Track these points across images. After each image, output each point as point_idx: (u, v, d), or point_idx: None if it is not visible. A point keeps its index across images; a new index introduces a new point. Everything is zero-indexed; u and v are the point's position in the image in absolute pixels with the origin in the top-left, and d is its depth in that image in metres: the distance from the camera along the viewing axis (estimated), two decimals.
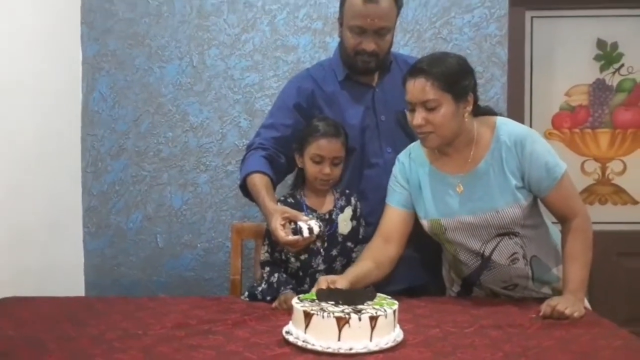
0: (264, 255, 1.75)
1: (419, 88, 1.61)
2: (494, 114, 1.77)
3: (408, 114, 1.67)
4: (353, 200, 1.84)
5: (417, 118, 1.62)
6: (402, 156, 1.82)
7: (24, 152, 2.02)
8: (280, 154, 1.90)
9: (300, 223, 1.59)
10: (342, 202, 1.82)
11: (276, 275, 1.70)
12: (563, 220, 1.69)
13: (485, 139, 1.69)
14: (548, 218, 1.79)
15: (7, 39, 1.92)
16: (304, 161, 1.77)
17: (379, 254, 1.73)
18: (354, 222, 1.81)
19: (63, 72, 2.34)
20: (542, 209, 1.76)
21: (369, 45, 1.85)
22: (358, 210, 1.84)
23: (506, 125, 1.70)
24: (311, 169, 1.75)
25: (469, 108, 1.65)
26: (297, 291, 1.68)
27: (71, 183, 2.42)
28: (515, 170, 1.66)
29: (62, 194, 2.33)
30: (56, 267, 2.22)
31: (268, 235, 1.75)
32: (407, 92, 1.64)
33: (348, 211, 1.81)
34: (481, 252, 1.72)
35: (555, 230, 1.79)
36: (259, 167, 1.84)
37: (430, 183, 1.76)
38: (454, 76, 1.61)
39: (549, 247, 1.76)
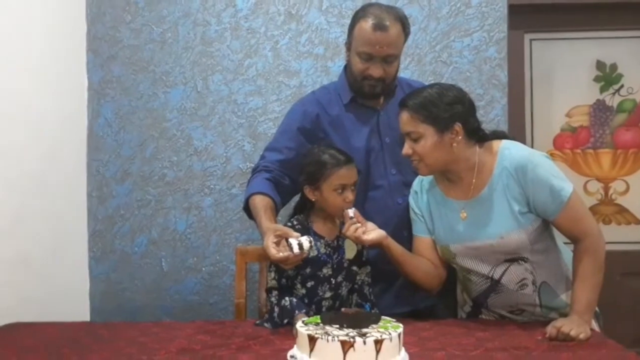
0: (271, 281, 1.74)
1: (402, 120, 1.69)
2: (503, 137, 1.76)
3: None
4: None
5: (405, 148, 1.70)
6: (415, 184, 1.86)
7: (30, 177, 2.04)
8: (284, 175, 1.92)
9: (290, 240, 1.60)
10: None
11: (287, 298, 1.68)
12: (574, 240, 1.68)
13: (488, 166, 1.70)
14: (561, 239, 1.78)
15: (14, 65, 1.95)
16: (323, 194, 1.73)
17: (432, 268, 1.80)
18: (359, 246, 1.80)
19: (69, 99, 2.37)
20: (557, 232, 1.75)
21: (377, 71, 1.88)
22: None
23: (509, 151, 1.69)
24: (335, 199, 1.72)
25: (459, 137, 1.66)
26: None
27: (77, 208, 2.44)
28: (518, 196, 1.66)
29: (67, 218, 2.34)
30: (62, 292, 2.22)
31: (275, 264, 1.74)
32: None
33: None
34: (490, 276, 1.73)
35: (568, 253, 1.77)
36: (261, 189, 1.86)
37: (438, 209, 1.79)
38: (432, 108, 1.65)
39: (560, 273, 1.75)
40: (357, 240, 1.70)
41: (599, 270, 1.64)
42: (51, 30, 2.21)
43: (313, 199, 1.76)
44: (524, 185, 1.65)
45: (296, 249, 1.58)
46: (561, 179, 1.66)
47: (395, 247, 1.76)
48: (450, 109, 1.66)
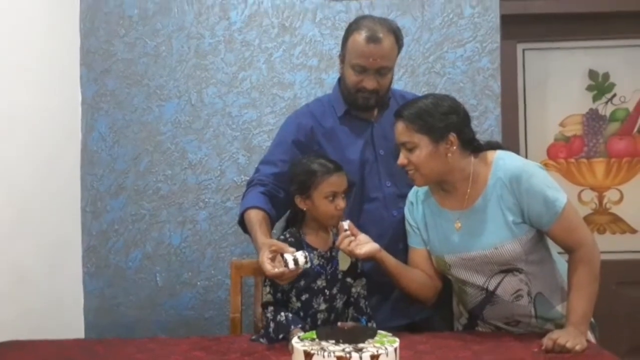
0: (266, 296, 1.73)
1: (397, 131, 1.71)
2: (497, 147, 1.77)
3: None
4: None
5: (400, 158, 1.72)
6: (411, 194, 1.87)
7: (24, 192, 2.03)
8: (279, 189, 1.91)
9: (286, 255, 1.60)
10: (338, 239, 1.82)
11: (283, 314, 1.67)
12: (569, 251, 1.68)
13: (483, 176, 1.71)
14: (555, 250, 1.79)
15: (7, 80, 1.95)
16: (314, 202, 1.74)
17: (427, 280, 1.81)
18: (353, 258, 1.80)
19: (62, 113, 2.37)
20: (551, 243, 1.75)
21: (370, 83, 1.89)
22: None
23: (503, 161, 1.70)
24: (326, 207, 1.73)
25: (454, 147, 1.67)
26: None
27: (70, 223, 2.43)
28: (512, 206, 1.66)
29: (61, 234, 2.33)
30: (56, 307, 2.21)
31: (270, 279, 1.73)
32: None
33: None
34: (485, 287, 1.73)
35: (562, 264, 1.77)
36: (256, 203, 1.86)
37: (433, 219, 1.79)
38: (427, 118, 1.66)
39: (555, 284, 1.75)
40: (350, 254, 1.70)
41: (594, 280, 1.64)
42: (44, 45, 2.21)
43: (304, 209, 1.76)
44: (518, 195, 1.65)
45: (291, 265, 1.58)
46: (555, 190, 1.66)
47: (389, 260, 1.76)
48: (445, 119, 1.67)
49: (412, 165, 1.69)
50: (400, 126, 1.69)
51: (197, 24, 2.49)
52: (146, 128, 2.49)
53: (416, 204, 1.84)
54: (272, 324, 1.68)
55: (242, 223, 1.90)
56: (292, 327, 1.62)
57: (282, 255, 1.61)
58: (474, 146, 1.73)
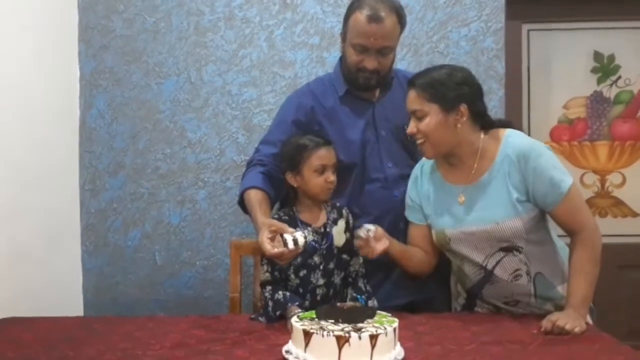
0: (263, 275, 1.74)
1: (409, 99, 1.71)
2: (508, 126, 1.78)
3: None
4: (344, 213, 1.84)
5: (410, 126, 1.72)
6: (416, 169, 1.88)
7: (22, 170, 2.01)
8: (279, 169, 1.89)
9: (285, 235, 1.60)
10: (334, 215, 1.82)
11: (280, 292, 1.68)
12: (570, 233, 1.68)
13: (491, 152, 1.71)
14: (558, 236, 1.79)
15: (4, 56, 1.92)
16: (304, 177, 1.76)
17: (424, 256, 1.84)
18: (348, 235, 1.81)
19: (61, 89, 2.34)
20: (552, 226, 1.75)
21: (371, 63, 1.86)
22: (350, 222, 1.84)
23: (512, 139, 1.70)
24: (316, 180, 1.75)
25: (463, 119, 1.68)
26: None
27: (69, 201, 2.42)
28: (518, 184, 1.66)
29: (60, 212, 2.32)
30: (54, 286, 2.21)
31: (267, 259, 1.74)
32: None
33: (341, 223, 1.81)
34: (484, 265, 1.72)
35: (565, 249, 1.77)
36: (256, 183, 1.85)
37: (436, 193, 1.80)
38: (440, 87, 1.66)
39: (555, 265, 1.75)
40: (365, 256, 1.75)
41: (595, 263, 1.64)
42: (42, 20, 2.18)
43: (295, 185, 1.78)
44: (524, 173, 1.65)
45: (291, 245, 1.57)
46: (562, 171, 1.67)
47: (394, 249, 1.78)
48: (457, 89, 1.67)
49: (421, 134, 1.69)
50: (412, 94, 1.70)
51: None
52: (145, 106, 2.46)
53: (420, 178, 1.84)
54: (270, 303, 1.68)
55: (242, 203, 1.89)
56: (290, 304, 1.63)
57: (281, 236, 1.61)
58: (484, 121, 1.73)
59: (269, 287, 1.71)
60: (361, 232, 1.70)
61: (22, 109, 2.02)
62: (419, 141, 1.72)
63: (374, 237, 1.70)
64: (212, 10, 2.45)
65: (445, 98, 1.66)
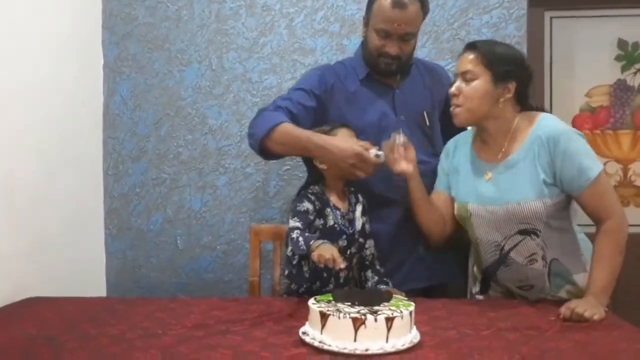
0: (293, 223, 1.69)
1: (465, 59, 1.74)
2: (544, 111, 1.79)
3: None
4: (360, 198, 1.87)
5: (455, 86, 1.74)
6: (451, 142, 1.93)
7: (47, 155, 2.06)
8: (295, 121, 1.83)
9: (370, 150, 1.71)
10: (353, 199, 1.84)
11: (306, 233, 1.65)
12: (596, 221, 1.67)
13: (523, 132, 1.72)
14: (580, 229, 1.79)
15: (28, 44, 1.96)
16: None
17: (441, 220, 1.87)
18: (364, 219, 1.84)
19: (85, 76, 2.38)
20: (577, 215, 1.75)
21: (393, 48, 1.87)
22: (365, 206, 1.87)
23: (546, 121, 1.71)
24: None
25: (508, 95, 1.70)
26: (322, 291, 1.69)
27: (93, 185, 2.46)
28: (546, 165, 1.66)
29: (84, 196, 2.37)
30: (79, 269, 2.26)
31: (298, 216, 1.71)
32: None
33: (359, 208, 1.85)
34: (501, 245, 1.73)
35: (586, 242, 1.77)
36: (286, 119, 1.78)
37: (465, 167, 1.83)
38: (498, 58, 1.70)
39: (573, 254, 1.74)
40: (389, 165, 1.79)
41: (618, 252, 1.63)
42: (66, 8, 2.21)
43: (324, 168, 1.79)
44: (553, 155, 1.65)
45: (374, 157, 1.70)
46: (592, 158, 1.66)
47: (417, 187, 1.84)
48: (513, 66, 1.70)
49: (463, 96, 1.71)
50: (470, 55, 1.72)
51: None
52: (167, 93, 2.49)
53: (454, 150, 1.88)
54: (300, 239, 1.62)
55: (262, 144, 1.78)
56: (312, 241, 1.59)
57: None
58: (525, 105, 1.75)
59: (297, 231, 1.66)
60: (399, 138, 1.79)
61: (47, 97, 2.06)
62: (455, 103, 1.73)
63: (402, 144, 1.78)
64: None
65: (500, 70, 1.69)
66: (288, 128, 1.76)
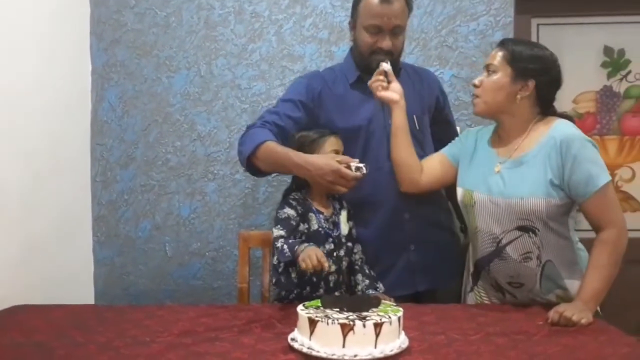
0: (277, 232, 1.71)
1: (492, 54, 1.80)
2: (565, 118, 1.81)
3: None
4: (344, 204, 1.90)
5: (479, 78, 1.80)
6: (474, 128, 1.99)
7: (34, 161, 2.05)
8: (281, 138, 1.86)
9: (351, 163, 1.70)
10: (337, 205, 1.87)
11: (290, 240, 1.67)
12: (596, 229, 1.69)
13: (539, 133, 1.74)
14: (578, 239, 1.80)
15: (16, 50, 1.95)
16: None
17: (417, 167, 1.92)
18: (350, 223, 1.87)
19: (72, 83, 2.37)
20: (577, 225, 1.77)
21: (385, 43, 1.90)
22: (351, 212, 1.89)
23: (562, 125, 1.73)
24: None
25: (526, 93, 1.73)
26: (313, 297, 1.69)
27: (81, 192, 2.45)
28: (555, 167, 1.68)
29: (72, 203, 2.35)
30: (66, 276, 2.24)
31: (281, 223, 1.73)
32: None
33: (344, 213, 1.87)
34: (499, 238, 1.74)
35: (583, 252, 1.78)
36: (271, 138, 1.80)
37: (479, 154, 1.86)
38: (522, 56, 1.73)
39: (567, 260, 1.75)
40: (375, 93, 1.87)
41: (614, 263, 1.64)
42: (54, 14, 2.20)
43: None
44: (564, 159, 1.66)
45: (364, 170, 1.70)
46: (601, 168, 1.67)
47: (398, 117, 1.89)
48: (535, 66, 1.73)
49: (482, 89, 1.77)
50: (499, 52, 1.77)
51: None
52: (155, 99, 2.49)
53: (474, 135, 1.92)
54: (285, 247, 1.65)
55: (249, 161, 1.82)
56: (297, 247, 1.61)
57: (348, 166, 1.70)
58: (547, 109, 1.78)
59: (280, 240, 1.68)
60: (385, 66, 1.86)
61: (35, 102, 2.05)
62: (475, 93, 1.80)
63: (389, 73, 1.85)
64: (222, 5, 2.47)
65: (520, 67, 1.72)
66: (270, 146, 1.78)
